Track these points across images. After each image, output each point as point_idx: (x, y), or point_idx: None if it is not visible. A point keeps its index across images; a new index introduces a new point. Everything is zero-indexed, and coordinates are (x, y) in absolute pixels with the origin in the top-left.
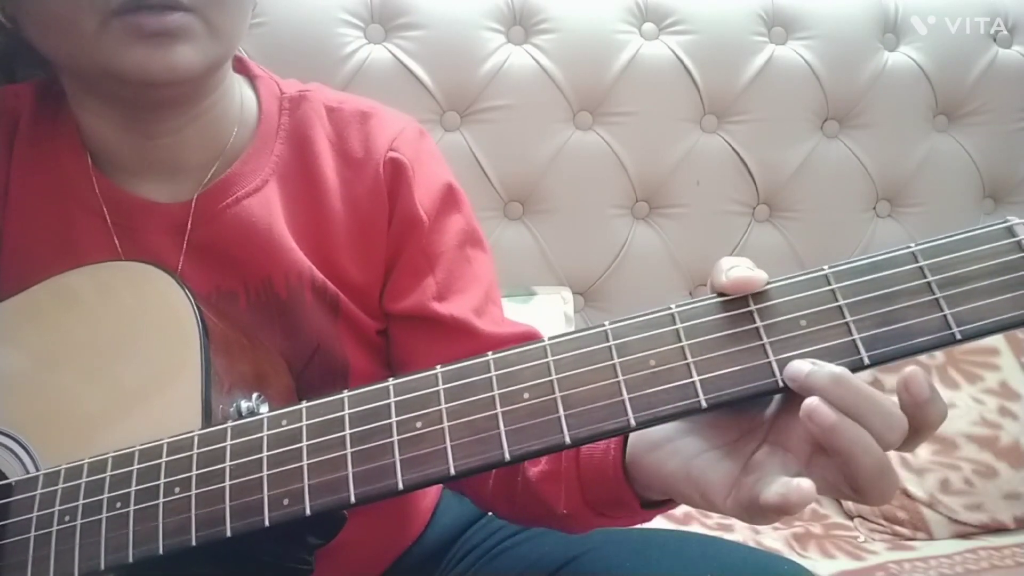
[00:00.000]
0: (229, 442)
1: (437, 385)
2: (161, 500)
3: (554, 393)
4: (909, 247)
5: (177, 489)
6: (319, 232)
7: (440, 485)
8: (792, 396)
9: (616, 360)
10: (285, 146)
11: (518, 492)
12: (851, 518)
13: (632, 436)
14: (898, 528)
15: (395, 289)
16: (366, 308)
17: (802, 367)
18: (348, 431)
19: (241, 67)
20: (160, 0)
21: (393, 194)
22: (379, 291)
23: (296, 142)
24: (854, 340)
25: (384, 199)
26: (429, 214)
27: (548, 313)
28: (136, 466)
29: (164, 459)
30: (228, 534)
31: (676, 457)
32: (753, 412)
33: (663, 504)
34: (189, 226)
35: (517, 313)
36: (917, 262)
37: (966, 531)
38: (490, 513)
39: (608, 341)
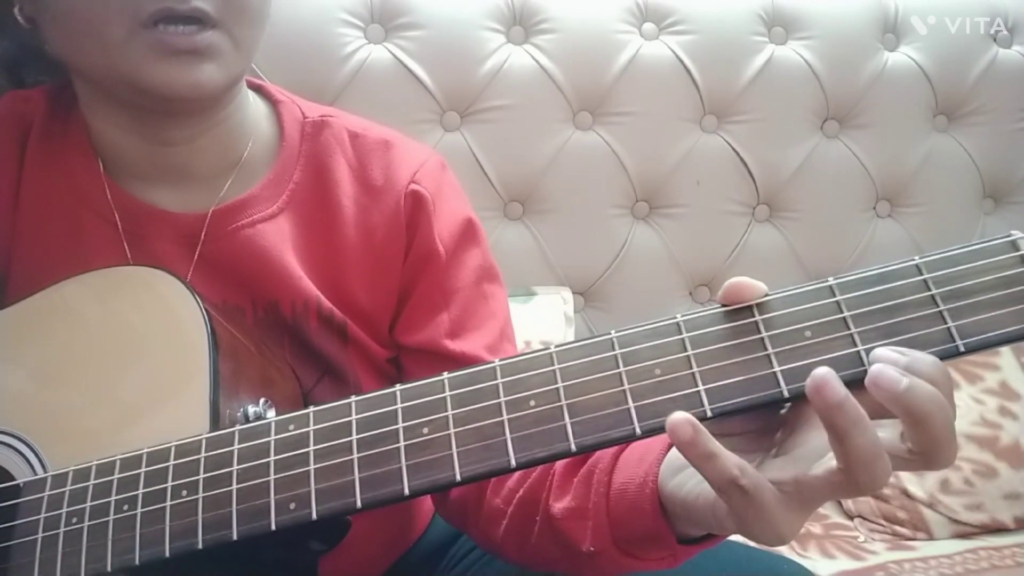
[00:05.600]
0: (237, 446)
1: (444, 391)
2: (168, 503)
3: (560, 401)
4: (913, 260)
5: (184, 492)
6: (330, 259)
7: None
8: (801, 408)
9: (622, 369)
10: (304, 173)
11: (535, 533)
12: (851, 518)
13: (661, 465)
14: (898, 528)
15: (408, 322)
16: (375, 335)
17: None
18: (355, 436)
19: (262, 92)
20: (190, 13)
21: (412, 226)
22: (389, 319)
23: (315, 168)
24: (859, 351)
25: (402, 230)
26: (447, 248)
27: (548, 313)
28: (144, 469)
29: (172, 462)
30: (234, 537)
31: (695, 478)
32: (774, 433)
33: (699, 542)
34: (202, 239)
35: (517, 313)
36: (921, 275)
37: (966, 531)
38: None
39: (614, 350)
